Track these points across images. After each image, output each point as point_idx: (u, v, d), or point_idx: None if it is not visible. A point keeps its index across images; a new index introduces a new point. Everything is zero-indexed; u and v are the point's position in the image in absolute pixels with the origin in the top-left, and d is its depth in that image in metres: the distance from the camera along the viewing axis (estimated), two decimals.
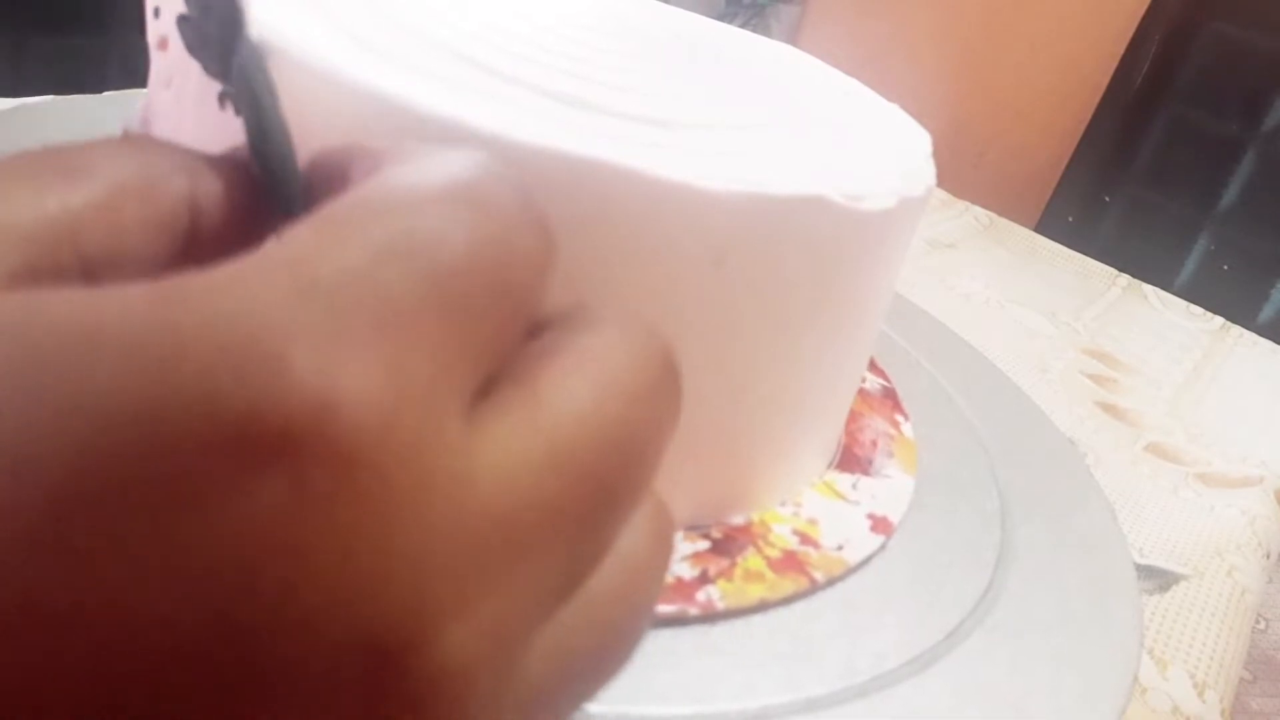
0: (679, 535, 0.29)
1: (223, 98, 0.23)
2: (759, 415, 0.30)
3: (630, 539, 0.12)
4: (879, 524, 0.32)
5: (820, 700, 0.25)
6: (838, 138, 0.31)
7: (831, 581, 0.29)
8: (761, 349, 0.28)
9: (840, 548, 0.31)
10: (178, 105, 0.25)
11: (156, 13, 0.26)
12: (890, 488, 0.35)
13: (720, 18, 0.40)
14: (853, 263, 0.29)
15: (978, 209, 0.91)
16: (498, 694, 0.10)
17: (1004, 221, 0.90)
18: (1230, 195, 1.42)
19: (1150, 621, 0.43)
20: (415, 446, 0.09)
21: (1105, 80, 1.50)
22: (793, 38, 1.72)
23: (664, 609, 0.26)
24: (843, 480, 0.34)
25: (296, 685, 0.09)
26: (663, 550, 0.13)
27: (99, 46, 0.74)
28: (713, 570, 0.28)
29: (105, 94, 0.45)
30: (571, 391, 0.11)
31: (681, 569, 0.28)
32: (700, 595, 0.27)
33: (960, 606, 0.30)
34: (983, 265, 0.79)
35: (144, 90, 0.30)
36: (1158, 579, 0.46)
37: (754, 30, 0.40)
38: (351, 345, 0.09)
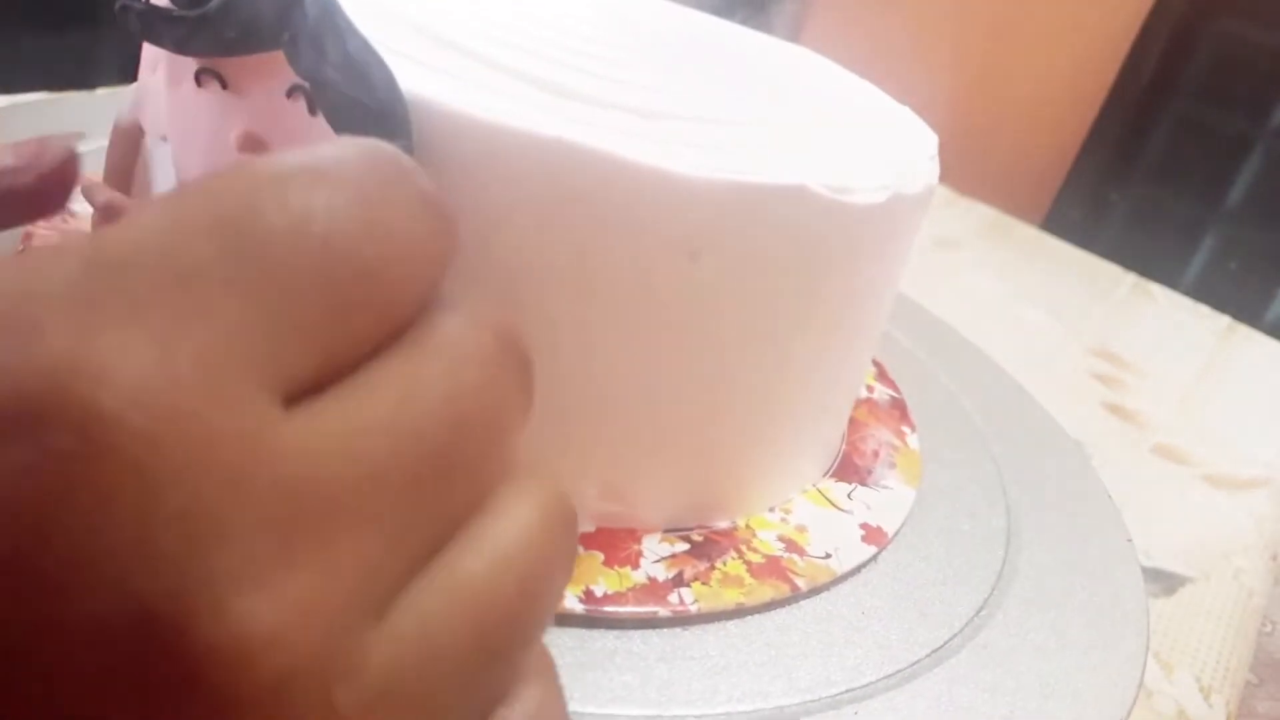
0: (655, 537, 0.29)
1: (199, 75, 0.23)
2: (740, 415, 0.29)
3: (506, 520, 0.12)
4: (872, 534, 0.32)
5: (787, 710, 0.25)
6: (835, 133, 0.30)
7: (815, 590, 0.29)
8: (740, 346, 0.28)
9: (828, 556, 0.30)
10: (160, 88, 0.26)
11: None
12: (888, 499, 0.34)
13: (720, 14, 0.39)
14: (839, 258, 0.28)
15: (983, 207, 0.90)
16: (327, 671, 0.09)
17: (1010, 219, 0.90)
18: (1237, 193, 1.41)
19: (1156, 624, 0.42)
20: (189, 413, 0.09)
21: (1111, 78, 1.49)
22: (795, 34, 1.71)
23: (635, 610, 0.26)
24: (838, 489, 0.34)
25: (60, 652, 0.08)
26: (551, 535, 0.12)
27: (91, 44, 0.74)
28: (689, 573, 0.28)
29: (98, 91, 0.45)
30: (400, 366, 0.11)
31: (656, 570, 0.27)
32: (672, 597, 0.27)
33: (964, 602, 0.30)
34: (988, 263, 0.79)
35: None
36: (1164, 581, 0.45)
37: (755, 27, 0.39)
38: (116, 312, 0.09)
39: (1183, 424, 0.62)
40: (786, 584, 0.29)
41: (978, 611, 0.30)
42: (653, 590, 0.27)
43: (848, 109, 0.33)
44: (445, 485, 0.11)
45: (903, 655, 0.27)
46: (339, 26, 0.22)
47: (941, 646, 0.28)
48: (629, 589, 0.26)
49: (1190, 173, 1.44)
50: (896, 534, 0.33)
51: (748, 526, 0.30)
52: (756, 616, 0.28)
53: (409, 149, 0.23)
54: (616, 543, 0.28)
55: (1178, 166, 1.45)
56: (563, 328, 0.25)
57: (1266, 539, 0.52)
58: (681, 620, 0.26)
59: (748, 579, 0.28)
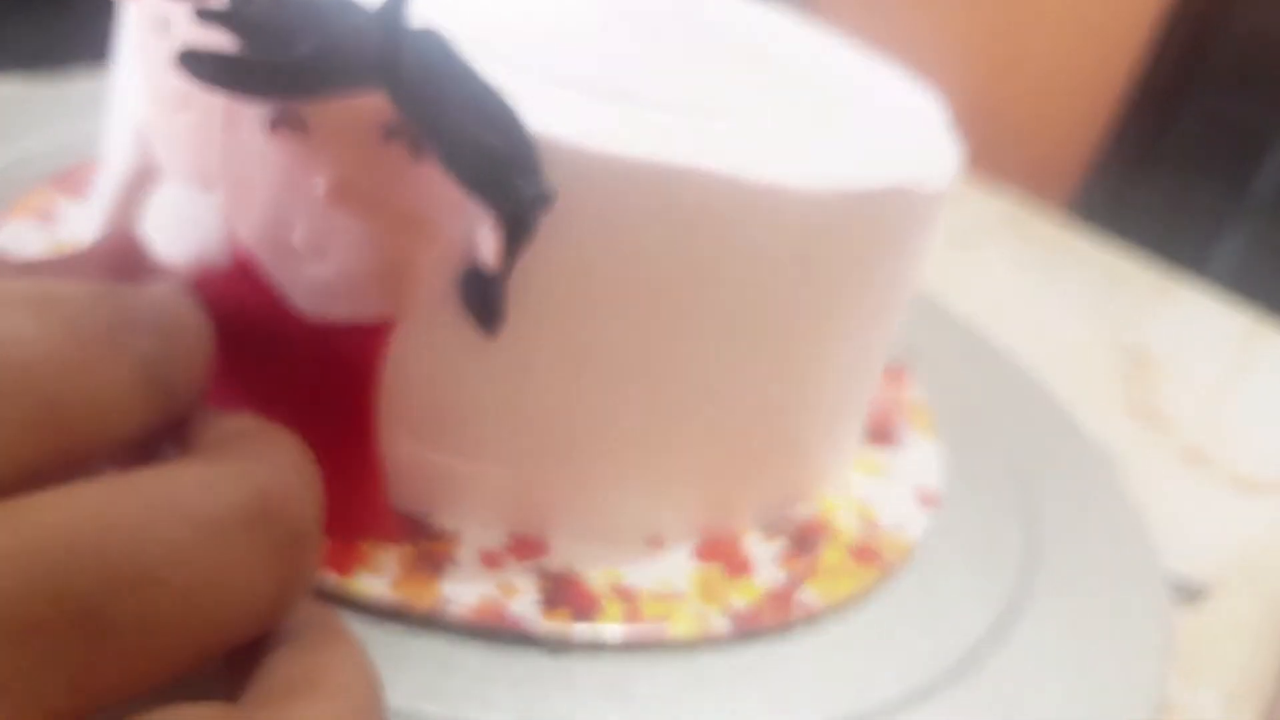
0: (753, 537, 0.29)
1: (275, 122, 0.21)
2: (823, 408, 0.30)
3: None
4: (925, 496, 0.33)
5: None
6: (871, 119, 0.30)
7: (901, 561, 0.30)
8: (835, 341, 0.28)
9: (900, 527, 0.31)
10: (201, 130, 0.23)
11: (164, 27, 0.24)
12: (921, 457, 0.35)
13: None
14: (913, 246, 0.29)
15: (1003, 199, 0.90)
16: None
17: (1030, 212, 0.89)
18: (1263, 185, 1.40)
19: (1180, 635, 0.41)
20: None
21: (1135, 69, 1.48)
22: (809, 10, 1.70)
23: (773, 618, 0.26)
24: (877, 455, 0.35)
25: None
26: None
27: (65, 27, 0.73)
28: (800, 571, 0.28)
29: (73, 75, 0.44)
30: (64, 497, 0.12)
31: (772, 573, 0.27)
32: (799, 599, 0.27)
33: (985, 617, 0.29)
34: (1008, 257, 0.78)
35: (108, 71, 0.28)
36: (1188, 590, 0.44)
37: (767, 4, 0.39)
38: None
39: (1208, 422, 0.61)
40: (882, 563, 0.29)
41: (998, 620, 0.29)
42: (779, 596, 0.27)
43: (863, 86, 0.33)
44: (81, 644, 0.11)
45: (921, 669, 0.26)
46: (455, 64, 0.20)
47: (963, 657, 0.27)
48: (761, 597, 0.26)
49: (1215, 165, 1.43)
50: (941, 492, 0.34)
51: (825, 511, 0.31)
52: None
53: (546, 192, 0.21)
54: (727, 551, 0.28)
55: (1202, 159, 1.44)
56: (676, 350, 0.25)
57: None
58: (808, 619, 0.27)
59: (851, 566, 0.29)
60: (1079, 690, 0.28)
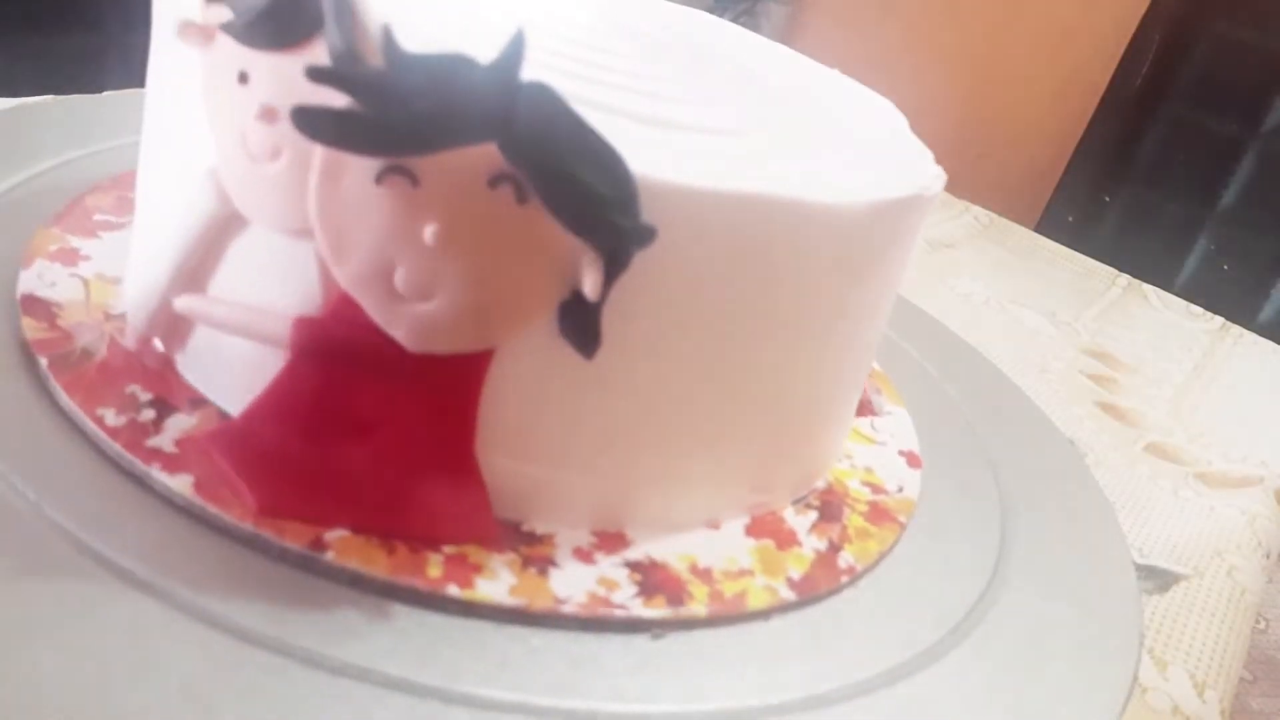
0: (789, 512, 0.31)
1: (383, 175, 0.22)
2: (846, 396, 0.32)
3: None
4: (911, 459, 0.36)
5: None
6: (856, 136, 0.32)
7: (910, 520, 0.32)
8: (858, 333, 0.30)
9: (900, 489, 0.34)
10: (293, 179, 0.23)
11: (244, 78, 0.24)
12: (897, 422, 0.38)
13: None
14: (913, 245, 0.31)
15: (977, 209, 0.91)
16: None
17: (1004, 221, 0.90)
18: (1230, 195, 1.42)
19: (1150, 621, 0.43)
20: None
21: (1105, 80, 1.50)
22: (785, 38, 1.71)
23: (817, 585, 0.28)
24: (863, 424, 0.37)
25: None
26: None
27: (97, 46, 0.74)
28: (835, 538, 0.30)
29: (104, 94, 0.45)
30: None
31: (813, 542, 0.30)
32: (840, 562, 0.29)
33: (960, 607, 0.30)
34: (982, 265, 0.79)
35: (142, 90, 0.29)
36: (1157, 579, 0.46)
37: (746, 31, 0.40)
38: None
39: (1175, 423, 0.62)
40: (895, 523, 0.32)
41: (973, 608, 0.30)
42: (826, 561, 0.29)
43: (837, 105, 0.34)
44: None
45: (898, 652, 0.27)
46: (566, 115, 0.20)
47: (937, 644, 0.28)
48: (811, 565, 0.29)
49: (1184, 175, 1.45)
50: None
51: (838, 480, 0.33)
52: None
53: (644, 228, 0.22)
54: (773, 528, 0.30)
55: (1171, 169, 1.46)
56: (739, 356, 0.27)
57: (1259, 537, 0.52)
58: (852, 579, 0.29)
59: (872, 528, 0.31)
60: (1058, 672, 0.29)
